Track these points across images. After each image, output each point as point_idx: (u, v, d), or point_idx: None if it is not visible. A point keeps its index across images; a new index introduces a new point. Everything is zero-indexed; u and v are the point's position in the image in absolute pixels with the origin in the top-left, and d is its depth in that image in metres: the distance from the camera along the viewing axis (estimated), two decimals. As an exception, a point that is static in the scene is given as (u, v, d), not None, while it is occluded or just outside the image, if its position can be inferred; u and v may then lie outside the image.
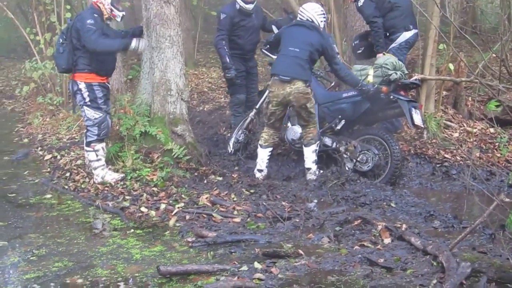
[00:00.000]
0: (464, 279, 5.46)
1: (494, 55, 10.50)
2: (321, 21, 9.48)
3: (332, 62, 9.48)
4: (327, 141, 9.67)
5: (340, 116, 9.69)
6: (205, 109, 14.43)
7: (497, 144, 10.71)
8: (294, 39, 9.27)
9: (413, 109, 9.12)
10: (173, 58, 9.43)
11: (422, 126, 9.63)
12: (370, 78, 9.44)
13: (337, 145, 9.58)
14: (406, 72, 9.58)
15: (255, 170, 9.45)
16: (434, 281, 5.51)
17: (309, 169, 9.36)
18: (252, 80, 11.46)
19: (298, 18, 9.59)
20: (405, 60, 11.58)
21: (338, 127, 9.68)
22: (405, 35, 10.44)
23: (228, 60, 10.68)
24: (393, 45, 10.48)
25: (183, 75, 9.64)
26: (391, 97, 9.25)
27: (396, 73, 9.28)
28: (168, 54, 9.41)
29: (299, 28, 9.37)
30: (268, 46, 10.11)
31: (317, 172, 9.30)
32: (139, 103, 9.68)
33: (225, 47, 10.71)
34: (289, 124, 9.90)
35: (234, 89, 10.99)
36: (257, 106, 10.39)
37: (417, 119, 9.15)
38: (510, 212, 3.99)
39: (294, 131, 9.75)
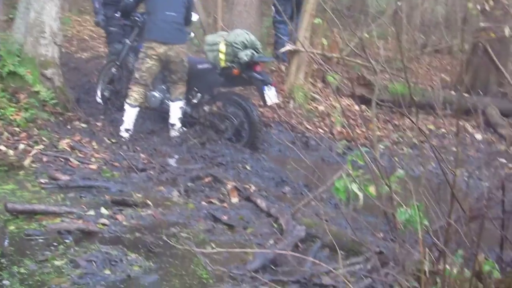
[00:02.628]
0: (300, 242, 5.77)
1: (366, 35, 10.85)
2: None
3: (189, 12, 9.67)
4: (187, 109, 9.80)
5: (196, 89, 9.85)
6: (82, 56, 14.33)
7: (359, 121, 11.11)
8: (169, 2, 9.23)
9: (265, 88, 9.27)
10: (50, 0, 9.34)
11: (277, 102, 9.87)
12: (222, 56, 9.35)
13: (196, 114, 9.82)
14: (259, 46, 9.48)
15: (122, 130, 9.30)
16: (271, 241, 5.80)
17: (173, 125, 9.53)
18: None
19: None
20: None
21: (195, 100, 9.85)
22: None
23: (96, 5, 10.68)
24: None
25: (58, 18, 9.52)
26: (244, 75, 9.38)
27: (246, 55, 9.16)
28: (45, -4, 9.32)
29: None
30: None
31: (180, 130, 9.47)
32: (11, 42, 9.56)
33: None
34: (149, 91, 9.89)
35: (111, 38, 10.95)
36: (118, 62, 10.22)
37: (271, 97, 9.34)
38: (335, 180, 4.25)
39: (155, 97, 9.85)
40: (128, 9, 9.45)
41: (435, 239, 3.73)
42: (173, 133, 9.49)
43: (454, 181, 3.55)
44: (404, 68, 4.55)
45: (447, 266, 3.55)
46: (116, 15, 9.91)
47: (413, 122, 3.95)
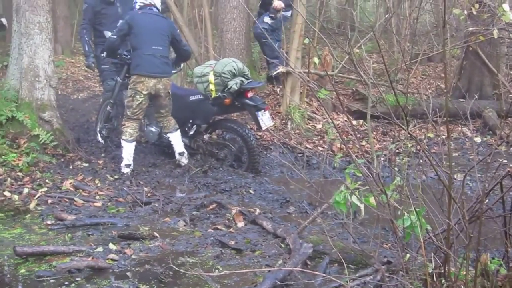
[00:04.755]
0: (308, 260, 5.81)
1: (357, 50, 10.93)
2: (160, 5, 9.60)
3: (181, 45, 9.83)
4: (185, 141, 9.87)
5: (191, 121, 9.94)
6: (79, 97, 14.46)
7: (358, 135, 11.18)
8: (153, 35, 9.28)
9: (259, 113, 9.39)
10: (42, 44, 9.44)
11: (271, 125, 9.97)
12: (212, 87, 9.41)
13: (194, 144, 9.94)
14: (247, 72, 9.57)
15: (123, 166, 9.31)
16: (280, 262, 5.84)
17: (181, 153, 9.63)
18: None
19: (139, 4, 9.49)
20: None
21: (192, 132, 9.93)
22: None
23: (86, 48, 10.83)
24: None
25: (52, 61, 9.64)
26: (236, 103, 9.49)
27: (236, 83, 9.26)
28: (37, 41, 9.40)
29: (150, 18, 9.37)
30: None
31: (188, 157, 9.64)
32: (7, 89, 9.65)
33: (85, 36, 10.79)
34: (146, 127, 10.00)
35: (104, 75, 11.03)
36: (111, 100, 10.24)
37: (265, 122, 9.47)
38: (335, 193, 4.31)
39: (152, 132, 9.88)
40: (113, 47, 9.46)
41: (438, 242, 3.78)
42: (184, 160, 9.61)
43: (450, 182, 3.61)
44: (390, 78, 4.62)
45: (452, 268, 3.60)
46: (102, 55, 9.95)
47: (402, 128, 4.00)
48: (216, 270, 5.55)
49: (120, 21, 9.41)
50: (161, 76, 9.28)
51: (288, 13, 12.15)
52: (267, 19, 12.08)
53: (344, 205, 4.21)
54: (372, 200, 4.25)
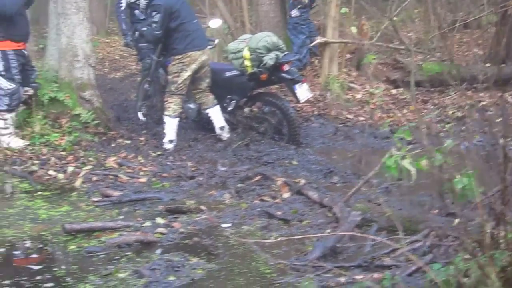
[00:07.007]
0: (356, 227, 5.78)
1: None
2: None
3: None
4: (225, 116, 9.81)
5: (229, 96, 9.84)
6: (116, 76, 14.50)
7: (398, 104, 11.12)
8: (188, 11, 9.42)
9: (296, 86, 9.36)
10: (80, 24, 9.42)
11: (310, 97, 9.93)
12: (247, 63, 9.37)
13: (234, 119, 9.91)
14: (282, 46, 9.47)
15: (166, 142, 9.33)
16: (328, 230, 5.82)
17: (222, 127, 9.61)
18: None
19: None
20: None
21: (230, 108, 9.83)
22: None
23: (123, 26, 10.76)
24: None
25: (90, 41, 9.66)
26: (273, 78, 9.45)
27: (271, 58, 9.19)
28: (74, 20, 9.38)
29: None
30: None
31: (229, 130, 9.65)
32: (46, 69, 9.69)
33: (122, 14, 10.76)
34: (185, 104, 9.91)
35: (142, 54, 11.02)
36: (149, 78, 10.22)
37: (303, 94, 9.45)
38: (386, 158, 4.26)
39: (191, 109, 9.90)
40: (158, 41, 9.46)
41: (492, 204, 3.73)
42: (225, 134, 9.60)
43: (505, 143, 3.56)
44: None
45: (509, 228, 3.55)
46: (136, 38, 9.92)
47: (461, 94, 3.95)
48: (271, 238, 5.56)
49: (157, 15, 9.27)
50: (204, 47, 9.39)
51: None
52: (295, 13, 11.95)
53: (395, 169, 4.15)
54: (423, 163, 4.19)
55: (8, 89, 8.64)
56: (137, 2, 10.59)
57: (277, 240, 5.19)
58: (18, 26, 8.70)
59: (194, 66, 9.23)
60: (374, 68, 11.77)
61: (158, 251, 5.47)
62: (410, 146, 4.32)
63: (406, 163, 4.07)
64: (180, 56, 9.26)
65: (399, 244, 4.59)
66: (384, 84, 11.78)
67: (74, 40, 9.39)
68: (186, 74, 9.25)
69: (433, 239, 5.12)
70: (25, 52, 8.96)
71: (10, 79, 8.63)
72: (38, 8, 13.32)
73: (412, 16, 14.46)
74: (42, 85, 9.19)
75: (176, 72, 9.28)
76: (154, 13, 9.10)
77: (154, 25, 9.15)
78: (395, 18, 10.47)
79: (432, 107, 11.19)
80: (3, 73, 8.60)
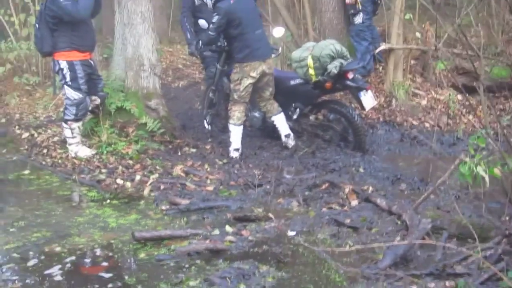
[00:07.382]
0: (426, 235, 5.71)
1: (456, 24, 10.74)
2: None
3: None
4: (289, 124, 9.80)
5: (293, 105, 9.79)
6: (179, 85, 14.55)
7: (464, 110, 10.99)
8: (252, 20, 9.31)
9: (361, 93, 9.25)
10: (145, 33, 9.53)
11: (375, 104, 9.84)
12: (312, 71, 9.27)
13: (299, 127, 9.89)
14: (346, 53, 9.35)
15: (231, 150, 9.37)
16: (398, 238, 5.78)
17: (288, 135, 9.61)
18: None
19: None
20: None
21: (295, 116, 9.80)
22: None
23: (188, 36, 10.74)
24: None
25: (155, 50, 9.75)
26: (337, 85, 9.36)
27: (335, 66, 9.06)
28: (139, 30, 9.50)
29: (244, 4, 9.30)
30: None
31: (294, 138, 9.64)
32: (113, 79, 9.81)
33: (187, 24, 10.77)
34: (250, 112, 9.96)
35: (207, 62, 11.07)
36: (213, 87, 10.24)
37: (368, 101, 9.35)
38: (459, 165, 4.21)
39: (256, 117, 9.87)
40: (212, 42, 9.48)
41: None
42: (290, 142, 9.60)
43: None
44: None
45: None
46: (200, 46, 9.93)
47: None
48: (347, 246, 5.54)
49: (216, 17, 9.29)
50: (266, 57, 9.33)
51: None
52: (357, 19, 11.88)
53: (470, 176, 4.11)
54: (496, 171, 4.14)
55: (74, 99, 8.76)
56: (205, 1, 10.63)
57: (352, 248, 5.15)
58: (84, 36, 8.79)
59: (254, 74, 9.21)
60: (440, 74, 11.63)
61: (228, 259, 5.47)
62: (484, 153, 4.27)
63: (480, 170, 4.02)
64: (240, 65, 9.29)
65: (472, 252, 4.52)
66: (449, 90, 11.64)
67: (140, 49, 9.51)
68: (247, 81, 9.25)
69: (505, 246, 5.06)
70: (91, 62, 9.05)
71: (77, 89, 8.75)
72: (101, 18, 13.50)
73: (474, 20, 14.27)
74: (109, 94, 9.32)
75: (237, 80, 9.30)
76: (214, 14, 9.16)
77: (211, 25, 9.22)
78: (460, 23, 10.33)
79: (498, 112, 11.03)
80: (69, 83, 8.72)
